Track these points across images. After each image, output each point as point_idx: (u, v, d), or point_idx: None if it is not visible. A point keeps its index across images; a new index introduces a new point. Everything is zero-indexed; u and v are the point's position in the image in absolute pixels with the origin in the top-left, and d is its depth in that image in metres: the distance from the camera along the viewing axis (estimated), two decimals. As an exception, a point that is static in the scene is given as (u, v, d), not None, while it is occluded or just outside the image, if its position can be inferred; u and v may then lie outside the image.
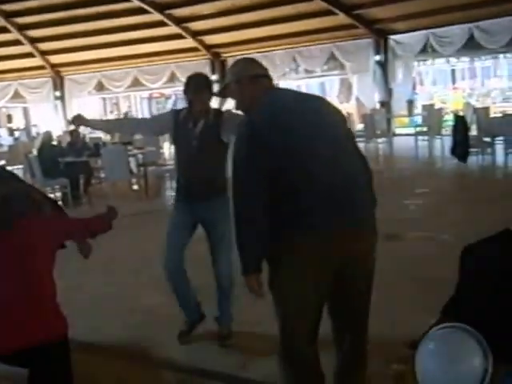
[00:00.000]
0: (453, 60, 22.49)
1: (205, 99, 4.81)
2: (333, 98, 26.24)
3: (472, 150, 13.32)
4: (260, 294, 3.21)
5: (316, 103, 3.52)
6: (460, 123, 13.29)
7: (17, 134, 29.04)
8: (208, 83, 4.92)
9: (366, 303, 3.43)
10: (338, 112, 3.56)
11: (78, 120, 5.07)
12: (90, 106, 25.42)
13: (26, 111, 30.85)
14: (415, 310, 4.98)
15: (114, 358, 5.01)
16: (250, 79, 3.52)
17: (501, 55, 21.89)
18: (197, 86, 4.81)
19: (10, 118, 31.91)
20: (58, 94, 25.15)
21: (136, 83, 24.53)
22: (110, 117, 26.67)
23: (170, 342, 5.13)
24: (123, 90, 25.12)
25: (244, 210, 3.16)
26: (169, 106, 33.91)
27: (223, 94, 3.90)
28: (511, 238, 3.20)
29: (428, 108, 19.18)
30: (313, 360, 3.34)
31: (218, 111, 4.95)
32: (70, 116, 24.64)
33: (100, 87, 25.45)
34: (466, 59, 22.89)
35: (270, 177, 3.12)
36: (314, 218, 3.12)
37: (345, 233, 3.15)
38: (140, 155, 13.91)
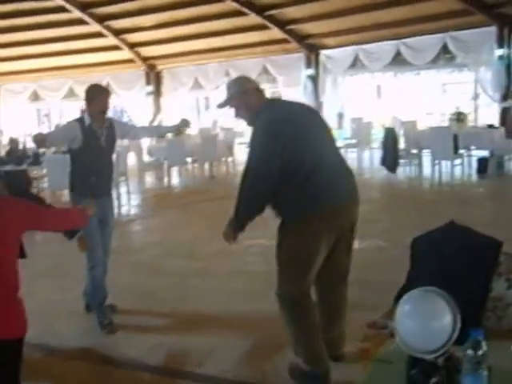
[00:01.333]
0: (380, 75, 23.03)
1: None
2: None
3: (400, 161, 13.87)
4: (233, 242, 4.38)
5: (309, 109, 4.71)
6: (390, 135, 13.78)
7: None
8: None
9: (350, 256, 4.53)
10: (321, 117, 4.64)
11: (41, 142, 5.50)
12: (23, 116, 25.08)
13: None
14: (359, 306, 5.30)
15: (73, 360, 5.04)
16: (254, 90, 4.37)
17: (424, 71, 22.59)
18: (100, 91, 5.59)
19: None
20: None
21: (71, 94, 24.32)
22: (42, 128, 26.32)
23: (127, 342, 5.28)
24: (58, 100, 24.82)
25: (259, 193, 4.10)
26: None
27: (228, 104, 4.46)
28: (454, 227, 3.73)
29: (357, 121, 19.63)
30: (312, 301, 4.29)
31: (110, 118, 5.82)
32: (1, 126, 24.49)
33: (35, 97, 25.12)
34: (392, 74, 23.49)
35: (292, 166, 4.02)
36: (328, 195, 4.08)
37: (347, 206, 4.25)
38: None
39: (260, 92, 4.39)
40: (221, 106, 4.56)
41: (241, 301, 6.07)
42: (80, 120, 5.50)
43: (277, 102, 4.76)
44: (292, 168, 4.02)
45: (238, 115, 4.47)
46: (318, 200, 4.06)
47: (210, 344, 5.10)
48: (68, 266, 7.83)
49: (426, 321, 2.50)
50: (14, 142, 13.94)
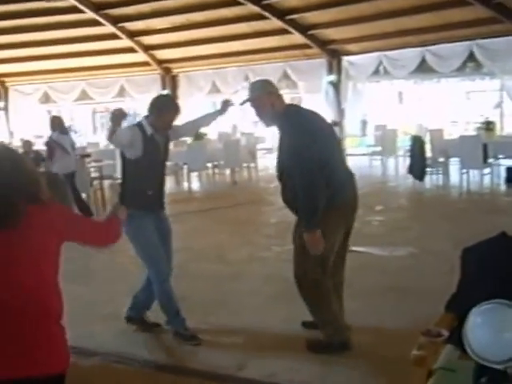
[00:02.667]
0: (404, 82, 23.15)
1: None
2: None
3: (427, 169, 13.98)
4: (321, 247, 4.73)
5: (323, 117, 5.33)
6: (417, 143, 13.91)
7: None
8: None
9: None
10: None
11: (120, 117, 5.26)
12: (34, 118, 25.17)
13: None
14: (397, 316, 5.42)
15: (111, 363, 5.17)
16: (278, 94, 5.04)
17: (449, 79, 22.65)
18: (175, 106, 5.46)
19: None
20: (1, 104, 24.87)
21: (84, 96, 24.49)
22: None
23: (164, 346, 5.39)
24: (70, 102, 24.94)
25: (315, 189, 4.65)
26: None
27: (252, 103, 5.04)
28: (506, 239, 3.75)
29: (381, 128, 19.73)
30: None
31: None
32: (12, 128, 24.62)
33: (46, 99, 25.26)
34: (416, 82, 23.59)
35: (319, 165, 4.68)
36: (344, 191, 4.95)
37: (355, 200, 5.11)
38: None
39: (282, 96, 5.07)
40: (244, 103, 5.14)
41: (277, 305, 6.18)
42: (140, 127, 5.30)
43: (300, 107, 5.46)
44: (319, 167, 4.70)
45: (259, 115, 5.10)
46: (336, 197, 4.79)
47: (249, 348, 5.21)
48: (95, 268, 7.96)
49: (498, 332, 2.63)
50: (27, 143, 14.06)
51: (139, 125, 5.32)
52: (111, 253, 7.10)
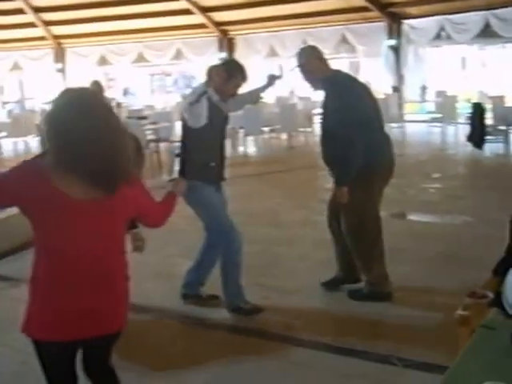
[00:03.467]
0: (467, 47, 22.83)
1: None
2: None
3: (487, 137, 13.88)
4: (344, 199, 5.25)
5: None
6: (477, 110, 13.81)
7: (8, 106, 29.16)
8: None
9: None
10: None
11: None
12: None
13: (20, 83, 30.96)
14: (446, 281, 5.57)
15: (162, 319, 5.46)
16: (324, 60, 5.42)
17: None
18: (243, 73, 5.26)
19: (1, 90, 32.01)
20: (59, 66, 25.32)
21: (140, 59, 24.78)
22: (109, 92, 26.82)
23: (214, 305, 5.63)
24: (127, 64, 25.26)
25: (356, 146, 5.05)
26: (169, 83, 34.17)
27: (302, 67, 5.40)
28: None
29: (441, 95, 19.54)
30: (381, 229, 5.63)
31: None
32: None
33: (103, 61, 25.62)
34: (480, 47, 23.25)
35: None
36: (383, 153, 5.40)
37: (391, 163, 5.53)
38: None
39: (328, 61, 5.44)
40: (293, 68, 5.46)
41: (327, 270, 6.35)
42: (205, 93, 4.97)
43: (345, 72, 5.70)
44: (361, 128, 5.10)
45: (308, 79, 5.48)
46: (375, 157, 5.19)
47: (300, 309, 5.42)
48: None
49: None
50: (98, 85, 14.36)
51: (203, 91, 4.98)
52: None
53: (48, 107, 13.43)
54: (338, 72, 5.52)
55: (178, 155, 5.50)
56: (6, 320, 5.67)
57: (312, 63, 5.34)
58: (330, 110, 5.32)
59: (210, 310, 5.53)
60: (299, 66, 5.40)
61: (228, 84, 5.13)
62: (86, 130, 2.59)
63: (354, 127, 5.08)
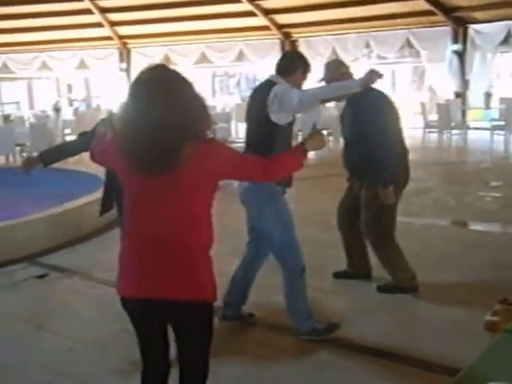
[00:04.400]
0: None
1: None
2: (404, 86, 26.45)
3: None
4: (393, 200, 5.59)
5: None
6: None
7: (75, 104, 29.92)
8: None
9: None
10: None
11: None
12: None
13: (87, 82, 31.68)
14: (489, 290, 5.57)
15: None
16: (349, 73, 5.68)
17: None
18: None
19: (69, 88, 32.83)
20: (123, 65, 25.81)
21: (203, 59, 25.07)
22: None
23: (256, 303, 5.77)
24: (190, 65, 25.54)
25: (393, 150, 5.57)
26: (231, 84, 34.52)
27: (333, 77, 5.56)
28: None
29: (506, 102, 19.17)
30: None
31: None
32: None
33: (167, 61, 25.93)
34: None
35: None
36: (404, 167, 5.86)
37: (407, 175, 5.96)
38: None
39: (352, 74, 5.69)
40: (320, 81, 5.60)
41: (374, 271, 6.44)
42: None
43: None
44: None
45: None
46: (400, 166, 5.73)
47: (344, 310, 5.53)
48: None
49: None
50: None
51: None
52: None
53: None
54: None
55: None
56: (57, 308, 5.95)
57: (337, 79, 5.43)
58: (356, 116, 5.65)
59: (255, 307, 5.62)
60: (325, 81, 5.58)
61: (299, 77, 5.05)
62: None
63: (388, 131, 5.57)
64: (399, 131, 5.83)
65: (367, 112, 5.52)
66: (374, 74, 4.86)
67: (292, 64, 5.00)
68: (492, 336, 3.38)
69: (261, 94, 4.86)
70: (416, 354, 4.64)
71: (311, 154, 16.31)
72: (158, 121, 2.78)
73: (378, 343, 4.86)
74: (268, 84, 4.88)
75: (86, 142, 4.56)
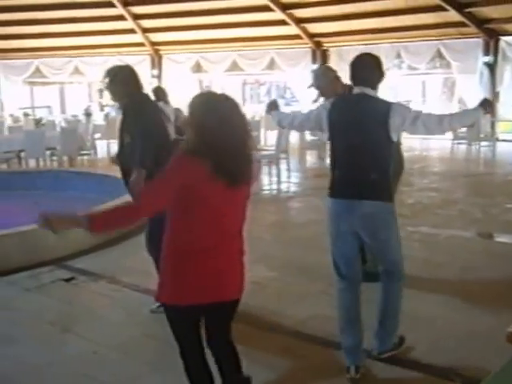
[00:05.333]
0: None
1: None
2: (434, 97, 26.31)
3: None
4: None
5: None
6: None
7: (106, 109, 30.13)
8: None
9: None
10: None
11: None
12: (186, 86, 26.08)
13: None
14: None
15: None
16: (338, 78, 6.03)
17: None
18: None
19: (101, 93, 33.08)
20: (155, 72, 25.90)
21: (234, 67, 25.15)
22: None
23: (282, 311, 5.78)
24: (221, 72, 25.61)
25: None
26: (261, 93, 34.58)
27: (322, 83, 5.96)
28: None
29: (535, 114, 19.09)
30: None
31: None
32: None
33: (198, 68, 26.08)
34: None
35: None
36: None
37: None
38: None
39: (340, 78, 6.01)
40: (309, 87, 6.01)
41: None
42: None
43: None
44: None
45: (322, 95, 5.98)
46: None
47: (370, 321, 5.49)
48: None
49: None
50: (177, 111, 14.78)
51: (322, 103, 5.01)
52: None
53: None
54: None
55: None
56: (82, 311, 6.00)
57: (325, 85, 5.92)
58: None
59: (281, 314, 5.68)
60: (313, 87, 6.00)
61: (339, 85, 5.65)
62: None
63: None
64: None
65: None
66: (487, 103, 4.67)
67: (382, 76, 4.62)
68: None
69: (373, 111, 4.48)
70: (437, 362, 4.63)
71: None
72: (245, 139, 3.28)
73: (402, 353, 4.83)
74: (374, 100, 4.53)
75: None
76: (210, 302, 3.33)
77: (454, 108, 22.25)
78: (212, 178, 3.14)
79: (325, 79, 5.96)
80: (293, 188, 13.30)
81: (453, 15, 19.97)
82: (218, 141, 3.14)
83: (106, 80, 5.68)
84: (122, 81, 5.67)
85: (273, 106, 5.26)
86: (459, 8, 19.73)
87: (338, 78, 6.04)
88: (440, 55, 21.59)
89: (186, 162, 3.16)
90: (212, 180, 3.14)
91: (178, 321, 3.42)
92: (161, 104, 12.28)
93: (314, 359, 4.86)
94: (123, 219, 3.31)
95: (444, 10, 19.85)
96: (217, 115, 3.15)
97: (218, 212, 3.26)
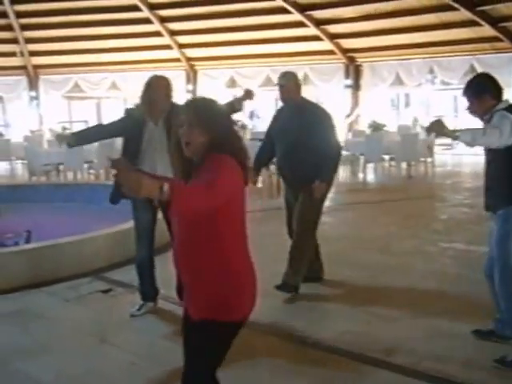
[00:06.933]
0: None
1: None
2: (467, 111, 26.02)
3: None
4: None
5: None
6: None
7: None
8: None
9: None
10: None
11: None
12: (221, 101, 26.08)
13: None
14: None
15: (265, 335, 5.63)
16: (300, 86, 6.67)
17: None
18: None
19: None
20: (190, 87, 26.08)
21: (268, 82, 25.15)
22: (237, 115, 27.26)
23: (317, 325, 5.78)
24: (254, 87, 25.61)
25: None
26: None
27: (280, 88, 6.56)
28: None
29: None
30: None
31: None
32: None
33: (232, 83, 26.14)
34: None
35: None
36: None
37: None
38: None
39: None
40: (276, 85, 6.62)
41: (431, 300, 6.37)
42: None
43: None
44: None
45: (282, 98, 6.65)
46: None
47: (399, 337, 5.47)
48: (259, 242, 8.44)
49: None
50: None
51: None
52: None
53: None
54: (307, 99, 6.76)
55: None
56: (120, 322, 6.04)
57: (291, 86, 6.54)
58: (304, 125, 6.33)
59: (314, 330, 5.66)
60: (279, 85, 6.58)
61: None
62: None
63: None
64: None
65: (321, 122, 6.43)
66: (248, 94, 6.33)
67: None
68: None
69: None
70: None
71: (372, 178, 16.39)
72: None
73: (435, 369, 4.79)
74: None
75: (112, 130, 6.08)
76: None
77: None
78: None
79: (292, 81, 6.57)
80: (327, 203, 13.20)
81: (487, 30, 19.91)
82: (235, 139, 3.18)
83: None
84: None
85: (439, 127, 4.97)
86: (493, 23, 19.64)
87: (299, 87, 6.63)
88: (473, 70, 21.31)
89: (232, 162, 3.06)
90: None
91: (228, 337, 3.21)
92: None
93: (347, 373, 4.85)
94: (200, 202, 2.81)
95: (478, 25, 19.79)
96: (226, 115, 3.27)
97: (244, 212, 3.22)
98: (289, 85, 6.55)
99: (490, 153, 4.88)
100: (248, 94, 6.30)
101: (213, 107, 3.21)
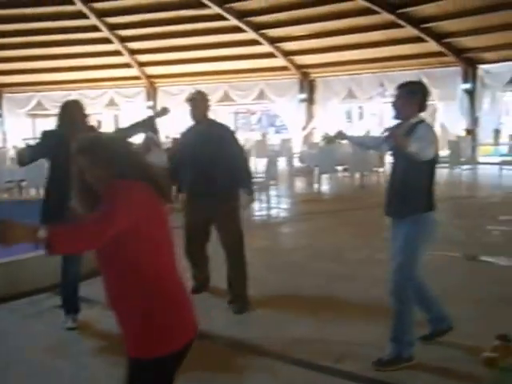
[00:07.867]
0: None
1: None
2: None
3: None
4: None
5: None
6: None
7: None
8: None
9: None
10: None
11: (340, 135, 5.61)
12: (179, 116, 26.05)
13: (116, 119, 31.90)
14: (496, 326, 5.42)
15: (223, 346, 5.55)
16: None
17: None
18: None
19: (99, 125, 33.09)
20: (150, 103, 26.02)
21: (225, 98, 25.22)
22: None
23: (268, 334, 5.71)
24: (213, 103, 25.61)
25: None
26: (253, 121, 34.67)
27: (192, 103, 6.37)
28: None
29: (515, 138, 19.14)
30: None
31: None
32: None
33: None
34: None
35: None
36: None
37: None
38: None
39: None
40: (188, 100, 6.40)
41: (382, 307, 6.34)
42: None
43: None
44: None
45: (192, 113, 6.38)
46: None
47: (350, 344, 5.42)
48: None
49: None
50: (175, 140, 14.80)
51: None
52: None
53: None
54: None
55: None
56: (77, 337, 5.88)
57: (198, 102, 6.37)
58: (214, 142, 6.23)
59: (265, 339, 5.58)
60: (192, 100, 6.36)
61: None
62: None
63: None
64: None
65: (230, 138, 6.48)
66: (164, 110, 6.48)
67: None
68: (490, 372, 3.33)
69: None
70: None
71: (327, 189, 16.44)
72: None
73: (384, 375, 4.75)
74: None
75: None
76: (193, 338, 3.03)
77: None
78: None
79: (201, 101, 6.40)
80: (283, 214, 13.26)
81: (432, 46, 20.30)
82: (139, 166, 3.00)
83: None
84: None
85: (342, 135, 5.59)
86: (438, 39, 20.01)
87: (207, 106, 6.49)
88: (421, 83, 21.63)
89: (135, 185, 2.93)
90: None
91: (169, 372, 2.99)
92: (150, 134, 12.31)
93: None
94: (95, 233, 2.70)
95: (423, 40, 20.12)
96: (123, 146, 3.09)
97: (165, 231, 3.05)
98: (198, 101, 6.46)
99: (406, 160, 4.76)
100: (163, 111, 6.45)
101: (106, 143, 2.97)
